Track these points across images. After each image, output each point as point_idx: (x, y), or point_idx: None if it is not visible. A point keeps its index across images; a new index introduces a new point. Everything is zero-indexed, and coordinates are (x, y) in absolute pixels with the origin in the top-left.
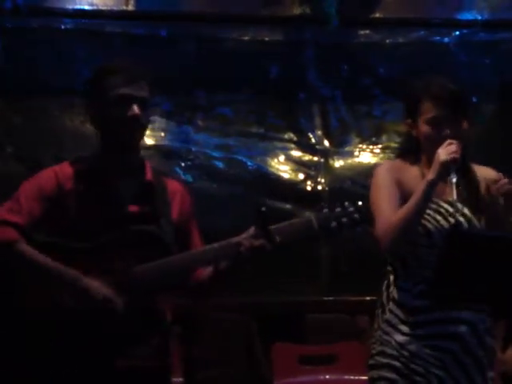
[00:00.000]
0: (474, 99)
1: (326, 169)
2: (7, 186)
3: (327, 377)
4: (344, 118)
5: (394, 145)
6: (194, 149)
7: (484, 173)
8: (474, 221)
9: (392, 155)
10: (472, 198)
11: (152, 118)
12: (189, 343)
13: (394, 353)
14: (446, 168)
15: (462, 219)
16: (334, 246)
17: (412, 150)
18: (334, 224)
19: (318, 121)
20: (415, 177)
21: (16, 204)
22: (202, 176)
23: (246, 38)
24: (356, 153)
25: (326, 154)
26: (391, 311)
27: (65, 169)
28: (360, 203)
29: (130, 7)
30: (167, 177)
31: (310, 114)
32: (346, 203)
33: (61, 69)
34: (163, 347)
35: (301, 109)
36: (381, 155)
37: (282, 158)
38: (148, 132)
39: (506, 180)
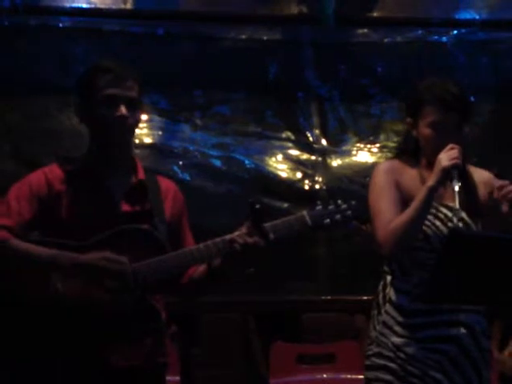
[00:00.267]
0: (472, 99)
1: (324, 168)
2: (5, 184)
3: (325, 376)
4: (342, 117)
5: (391, 144)
6: (191, 147)
7: (480, 175)
8: (472, 226)
9: (390, 154)
10: (470, 202)
11: (149, 116)
12: (186, 342)
13: (391, 355)
14: (447, 174)
15: (460, 224)
16: (332, 246)
17: (411, 150)
18: (327, 221)
19: (315, 120)
20: (414, 179)
21: (5, 207)
22: (200, 175)
23: (244, 37)
24: (354, 152)
25: (323, 153)
26: (387, 313)
27: (54, 170)
28: (353, 202)
29: (128, 6)
30: (159, 176)
31: (308, 113)
32: (339, 201)
33: (58, 67)
34: (158, 346)
35: (299, 108)
36: (378, 154)
37: (279, 156)
38: (146, 131)
39: (511, 187)
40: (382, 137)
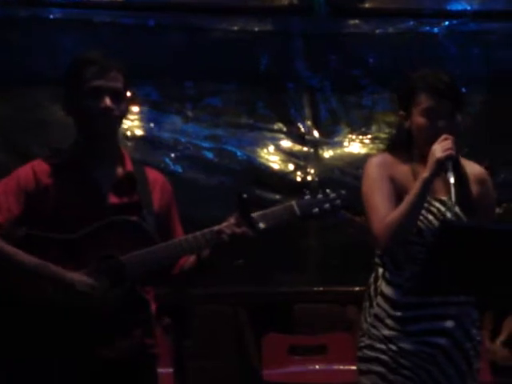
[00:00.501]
0: (464, 90)
1: (316, 159)
2: None
3: (317, 367)
4: (333, 109)
5: (383, 135)
6: (183, 139)
7: (472, 169)
8: (465, 218)
9: (382, 145)
10: (463, 196)
11: (141, 108)
12: (179, 334)
13: (382, 347)
14: (441, 165)
15: (453, 218)
16: (324, 238)
17: (403, 144)
18: (315, 210)
19: (307, 111)
20: (406, 173)
21: None
22: (192, 166)
23: (235, 28)
24: (345, 143)
25: (315, 144)
26: (379, 305)
27: (42, 163)
28: (343, 191)
29: None
30: (147, 167)
31: (300, 104)
32: (328, 190)
33: (50, 58)
34: (147, 338)
35: (290, 99)
36: (370, 145)
37: (271, 148)
38: (137, 122)
39: None
40: (373, 128)
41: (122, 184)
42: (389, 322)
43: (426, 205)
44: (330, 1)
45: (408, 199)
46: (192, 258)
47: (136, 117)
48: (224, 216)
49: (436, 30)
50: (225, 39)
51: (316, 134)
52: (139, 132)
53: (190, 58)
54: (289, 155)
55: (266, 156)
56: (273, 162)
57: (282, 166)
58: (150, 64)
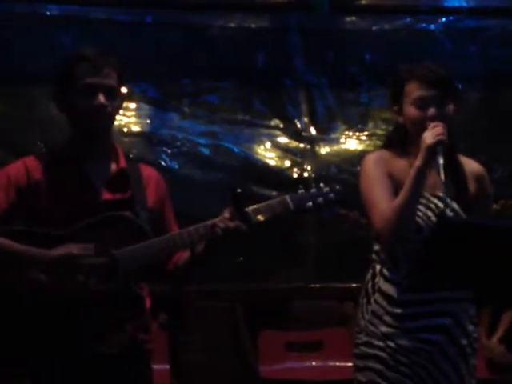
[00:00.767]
0: (460, 86)
1: (312, 155)
2: None
3: (313, 363)
4: (330, 105)
5: (380, 132)
6: (180, 136)
7: (470, 167)
8: (462, 215)
9: (378, 142)
10: (460, 192)
11: (138, 104)
12: (175, 330)
13: (380, 344)
14: (432, 151)
15: (451, 214)
16: (320, 234)
17: (400, 139)
18: (309, 204)
19: (304, 108)
20: (404, 167)
21: None
22: (188, 163)
23: (232, 24)
24: (342, 140)
25: (312, 140)
26: (377, 302)
27: (34, 160)
28: (337, 186)
29: None
30: (141, 163)
31: (297, 100)
32: (322, 184)
33: (46, 55)
34: (141, 333)
35: (287, 96)
36: (367, 142)
37: (268, 144)
38: (134, 119)
39: None
40: (370, 124)
41: (116, 180)
42: (387, 318)
43: (424, 201)
44: None
45: (405, 189)
46: (186, 254)
47: (133, 113)
48: (220, 212)
49: (432, 26)
50: (222, 36)
51: (313, 130)
52: (136, 128)
53: (187, 54)
54: (285, 151)
55: (263, 152)
56: (269, 158)
57: (279, 163)
58: (147, 61)
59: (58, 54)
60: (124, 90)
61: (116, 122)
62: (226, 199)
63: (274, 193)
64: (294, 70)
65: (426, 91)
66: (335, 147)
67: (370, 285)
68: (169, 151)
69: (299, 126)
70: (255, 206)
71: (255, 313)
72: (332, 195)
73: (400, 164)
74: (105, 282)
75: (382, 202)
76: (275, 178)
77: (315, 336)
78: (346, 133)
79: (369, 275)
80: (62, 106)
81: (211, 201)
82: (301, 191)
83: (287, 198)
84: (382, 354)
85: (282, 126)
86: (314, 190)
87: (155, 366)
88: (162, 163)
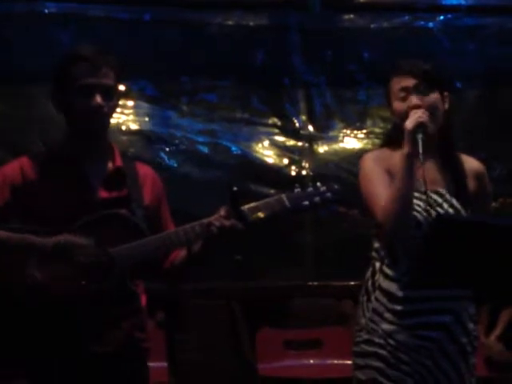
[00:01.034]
0: (458, 84)
1: (311, 154)
2: None
3: (312, 361)
4: (328, 103)
5: (378, 130)
6: (178, 134)
7: (470, 165)
8: (462, 211)
9: (376, 140)
10: (459, 188)
11: (136, 102)
12: (173, 328)
13: (381, 341)
14: (414, 134)
15: (450, 210)
16: (319, 232)
17: (397, 138)
18: (305, 203)
19: (302, 106)
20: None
21: None
22: (187, 161)
23: (231, 22)
24: (340, 138)
25: (310, 139)
26: (377, 299)
27: (29, 159)
28: (335, 185)
29: None
30: (138, 162)
31: (295, 99)
32: (318, 183)
33: (45, 54)
34: (137, 331)
35: (285, 94)
36: (365, 140)
37: (266, 143)
38: (132, 117)
39: None
40: (368, 123)
41: (112, 179)
42: (387, 315)
43: (424, 197)
44: None
45: (397, 178)
46: (183, 253)
47: (131, 111)
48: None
49: (431, 24)
50: (220, 34)
51: (311, 128)
52: (134, 126)
53: (186, 52)
54: (283, 150)
55: (261, 150)
56: (267, 156)
57: (277, 161)
58: (145, 58)
59: (56, 52)
60: (122, 87)
61: (114, 120)
62: (224, 197)
63: (272, 191)
64: (293, 69)
65: (404, 82)
66: (333, 145)
67: (370, 282)
68: (167, 149)
69: (297, 124)
70: (251, 205)
71: (253, 311)
72: (329, 194)
73: (398, 159)
74: (101, 280)
75: (381, 195)
76: (273, 176)
77: (314, 334)
78: (345, 131)
79: (369, 273)
80: (59, 106)
81: (209, 199)
82: (297, 190)
83: (284, 196)
84: (382, 351)
85: (280, 124)
86: (310, 189)
87: (153, 364)
88: (161, 161)
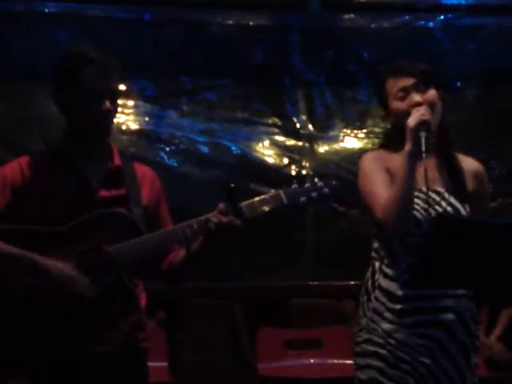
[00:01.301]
0: (458, 84)
1: (311, 153)
2: None
3: (312, 361)
4: (328, 103)
5: (378, 130)
6: (178, 133)
7: (468, 165)
8: (461, 210)
9: (377, 140)
10: (457, 187)
11: (136, 102)
12: (174, 328)
13: (381, 341)
14: (417, 132)
15: (449, 208)
16: (319, 232)
17: (396, 138)
18: (303, 198)
19: (302, 106)
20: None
21: None
22: (187, 161)
23: (231, 22)
24: (340, 137)
25: (310, 138)
26: (377, 299)
27: (29, 159)
28: (333, 181)
29: None
30: (136, 162)
31: (295, 98)
32: (316, 179)
33: (44, 53)
34: (136, 331)
35: (285, 94)
36: (365, 140)
37: (266, 142)
38: (132, 117)
39: None
40: (368, 122)
41: (111, 178)
42: (387, 315)
43: (422, 195)
44: None
45: (399, 176)
46: (181, 253)
47: (131, 111)
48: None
49: (431, 24)
50: (220, 33)
51: (311, 128)
52: (134, 126)
53: (186, 52)
54: (284, 149)
55: (261, 150)
56: (268, 156)
57: (277, 161)
58: (145, 58)
59: (56, 51)
60: (122, 87)
61: (114, 120)
62: (223, 197)
63: (272, 191)
64: (293, 68)
65: (403, 82)
66: (333, 145)
67: (369, 282)
68: (167, 149)
69: (297, 124)
70: (249, 201)
71: (254, 310)
72: (326, 190)
73: (397, 159)
74: (100, 279)
75: (381, 193)
76: (273, 175)
77: (314, 334)
78: (345, 131)
79: (368, 273)
80: (61, 105)
81: (209, 198)
82: (295, 186)
83: (281, 192)
84: (382, 351)
85: (280, 123)
86: (308, 185)
87: (154, 364)
88: (161, 161)
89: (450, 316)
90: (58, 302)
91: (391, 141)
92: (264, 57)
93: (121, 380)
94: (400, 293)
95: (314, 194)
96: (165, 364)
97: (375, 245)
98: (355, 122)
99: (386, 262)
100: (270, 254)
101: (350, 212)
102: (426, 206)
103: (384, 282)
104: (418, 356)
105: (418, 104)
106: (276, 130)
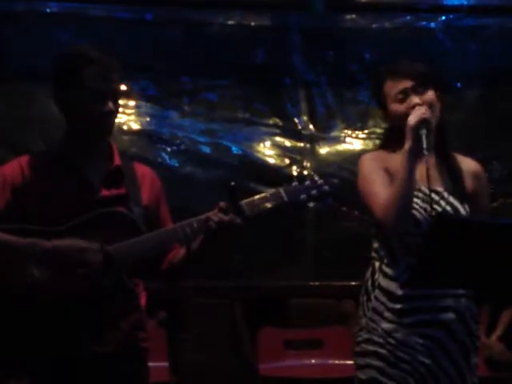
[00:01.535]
0: (459, 84)
1: (312, 154)
2: None
3: (313, 361)
4: (330, 104)
5: (379, 130)
6: (179, 134)
7: (467, 165)
8: (461, 209)
9: (378, 141)
10: (456, 186)
11: (137, 102)
12: (174, 328)
13: (381, 340)
14: (418, 130)
15: (448, 208)
16: (319, 232)
17: (396, 139)
18: (303, 196)
19: (303, 106)
20: (400, 163)
21: None
22: (188, 161)
23: (232, 22)
24: (341, 138)
25: (311, 139)
26: (377, 298)
27: (29, 159)
28: (334, 180)
29: None
30: (136, 162)
31: (296, 99)
32: (316, 177)
33: (45, 53)
34: (136, 330)
35: (286, 94)
36: (366, 141)
37: (267, 143)
38: (134, 117)
39: None
40: (370, 123)
41: (111, 177)
42: (387, 314)
43: (421, 195)
44: None
45: (399, 175)
46: (181, 252)
47: (132, 111)
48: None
49: (432, 24)
50: (221, 33)
51: (312, 128)
52: (136, 126)
53: (187, 52)
54: (285, 150)
55: (262, 150)
56: (269, 156)
57: (278, 161)
58: (146, 58)
59: (56, 51)
60: (123, 87)
61: (115, 120)
62: (225, 197)
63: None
64: (294, 69)
65: (402, 84)
66: (335, 146)
67: (369, 282)
68: (168, 149)
69: (299, 124)
70: (249, 199)
71: (254, 310)
72: (326, 187)
73: (397, 159)
74: (101, 278)
75: (380, 192)
76: (274, 176)
77: (314, 334)
78: (346, 131)
79: (368, 273)
80: (61, 105)
81: (211, 199)
82: (295, 184)
83: (281, 190)
84: (382, 350)
85: (281, 124)
86: (308, 183)
87: (154, 364)
88: (162, 161)
89: (450, 315)
90: (58, 302)
91: (390, 141)
92: (265, 57)
93: (121, 380)
94: (400, 292)
95: (313, 192)
96: (166, 364)
97: (375, 245)
98: (356, 123)
99: (385, 261)
100: (270, 252)
101: (353, 213)
102: (426, 205)
103: (384, 282)
104: (417, 356)
105: (418, 105)
106: (277, 131)
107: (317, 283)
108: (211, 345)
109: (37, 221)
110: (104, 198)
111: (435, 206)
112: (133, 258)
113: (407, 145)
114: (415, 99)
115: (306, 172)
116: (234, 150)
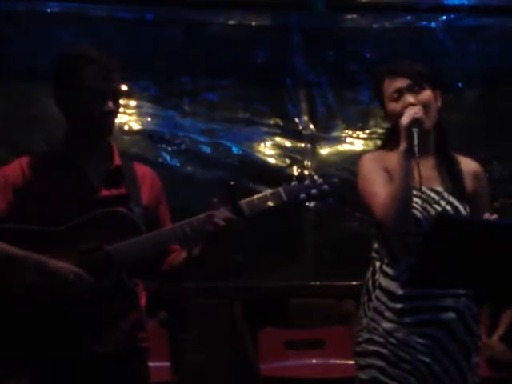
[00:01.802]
0: (460, 84)
1: (313, 154)
2: None
3: (313, 361)
4: (330, 104)
5: (380, 130)
6: (180, 134)
7: (467, 165)
8: (461, 209)
9: (378, 141)
10: (455, 186)
11: (138, 102)
12: (175, 328)
13: (382, 340)
14: (411, 130)
15: (448, 207)
16: (320, 232)
17: (395, 139)
18: (302, 195)
19: (304, 106)
20: None
21: None
22: (189, 161)
23: (232, 22)
24: (342, 138)
25: (312, 139)
26: (378, 298)
27: (30, 159)
28: (335, 179)
29: None
30: (136, 162)
31: (296, 99)
32: (315, 176)
33: (46, 53)
34: (136, 331)
35: (287, 94)
36: (367, 141)
37: (268, 143)
38: (134, 117)
39: None
40: (370, 123)
41: (111, 177)
42: (388, 314)
43: (419, 194)
44: None
45: (396, 175)
46: (182, 254)
47: (133, 111)
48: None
49: (433, 24)
50: (222, 33)
51: (313, 129)
52: (136, 126)
53: (187, 52)
54: (285, 150)
55: (263, 151)
56: (269, 156)
57: (279, 161)
58: (147, 58)
59: (57, 51)
60: (124, 88)
61: (116, 120)
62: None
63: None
64: (294, 69)
65: (397, 83)
66: (335, 146)
67: (370, 282)
68: (169, 149)
69: (299, 124)
70: (249, 199)
71: (255, 310)
72: (326, 186)
73: (394, 159)
74: (101, 279)
75: (380, 192)
76: (275, 176)
77: (315, 334)
78: (346, 131)
79: (369, 273)
80: (61, 105)
81: (211, 199)
82: (294, 183)
83: (281, 189)
84: (383, 350)
85: (281, 124)
86: (307, 182)
87: (155, 364)
88: (163, 161)
89: (451, 315)
90: (58, 302)
91: (389, 141)
92: (265, 57)
93: (121, 380)
94: (400, 292)
95: (313, 191)
96: (167, 364)
97: (375, 245)
98: (357, 123)
99: (386, 261)
100: (270, 252)
101: (354, 214)
102: (426, 205)
103: (384, 282)
104: (418, 355)
105: (412, 105)
106: (277, 131)
107: (317, 283)
108: (211, 345)
109: (37, 221)
110: (104, 198)
111: (435, 206)
112: (133, 257)
113: (402, 145)
114: (409, 98)
115: (306, 172)
116: (235, 150)
